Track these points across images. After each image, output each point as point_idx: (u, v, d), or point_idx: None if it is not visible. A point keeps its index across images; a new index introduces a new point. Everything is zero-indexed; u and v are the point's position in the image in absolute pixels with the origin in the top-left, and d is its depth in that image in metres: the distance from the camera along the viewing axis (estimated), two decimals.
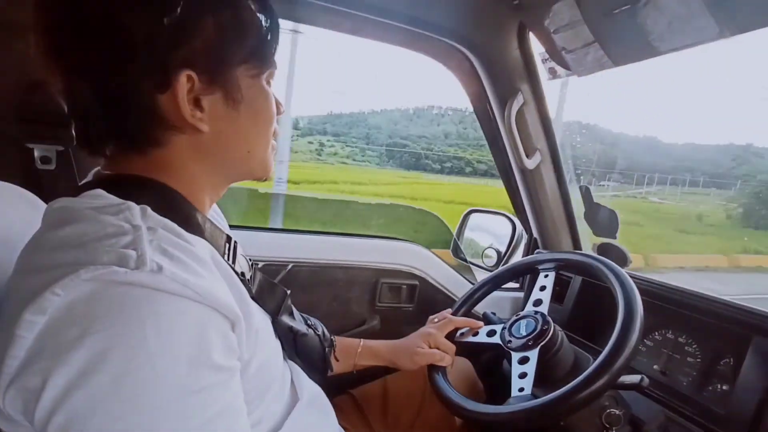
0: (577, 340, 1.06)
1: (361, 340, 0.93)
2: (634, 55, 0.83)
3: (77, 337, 0.32)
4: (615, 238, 1.23)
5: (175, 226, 0.43)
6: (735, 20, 0.68)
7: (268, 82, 0.53)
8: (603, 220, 1.27)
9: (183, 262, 0.39)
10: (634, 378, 0.74)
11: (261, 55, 0.49)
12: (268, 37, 0.50)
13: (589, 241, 1.35)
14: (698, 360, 0.90)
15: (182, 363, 0.35)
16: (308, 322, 0.74)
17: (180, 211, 0.47)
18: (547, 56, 1.03)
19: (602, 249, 1.28)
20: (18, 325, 0.33)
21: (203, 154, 0.49)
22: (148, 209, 0.42)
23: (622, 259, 1.23)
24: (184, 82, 0.43)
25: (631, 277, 1.03)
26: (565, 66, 0.97)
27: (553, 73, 1.06)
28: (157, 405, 0.34)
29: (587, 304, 1.13)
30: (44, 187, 0.91)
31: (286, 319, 0.63)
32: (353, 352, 0.90)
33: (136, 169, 0.47)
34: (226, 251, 0.52)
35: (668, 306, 0.98)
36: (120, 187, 0.44)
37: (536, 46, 1.09)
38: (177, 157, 0.48)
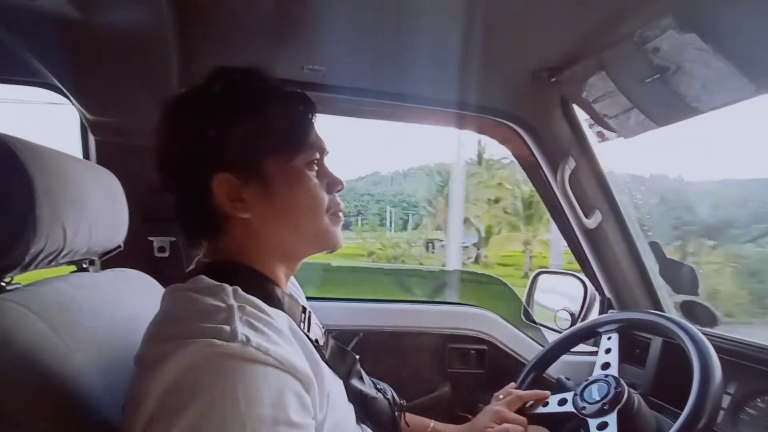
0: (664, 406, 0.99)
1: (432, 421, 0.92)
2: (676, 116, 0.86)
3: (187, 399, 0.41)
4: (697, 294, 1.17)
5: (259, 302, 0.52)
6: None
7: (310, 164, 0.60)
8: (681, 277, 1.21)
9: (265, 333, 0.47)
10: None
11: (289, 145, 0.58)
12: (295, 130, 0.59)
13: (670, 299, 1.28)
14: None
15: (266, 421, 0.43)
16: (378, 386, 0.77)
17: (263, 289, 0.57)
18: (593, 122, 1.08)
19: (686, 308, 1.21)
20: (145, 388, 0.42)
21: (257, 235, 0.58)
22: (239, 289, 0.52)
23: (711, 318, 1.16)
24: (222, 182, 0.55)
25: (721, 338, 0.97)
26: (611, 129, 1.01)
27: (601, 137, 1.10)
28: None
29: (671, 366, 1.05)
30: (160, 271, 1.11)
31: (356, 383, 0.68)
32: None
33: (224, 255, 0.59)
34: (302, 320, 0.61)
35: None
36: (216, 272, 0.55)
37: (583, 113, 1.15)
38: (240, 240, 0.58)
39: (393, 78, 1.07)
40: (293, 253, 0.63)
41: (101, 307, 0.65)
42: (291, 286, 0.73)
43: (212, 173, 0.55)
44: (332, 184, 0.63)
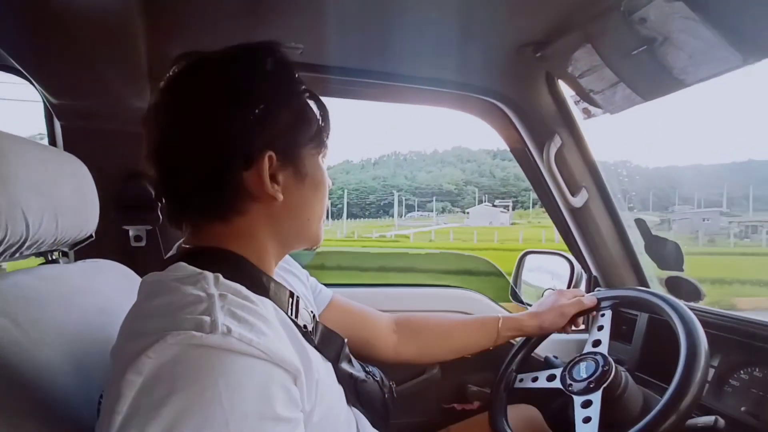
0: (650, 381, 1.00)
1: (499, 314, 1.00)
2: (662, 90, 0.84)
3: (165, 396, 0.38)
4: (682, 270, 1.17)
5: (243, 289, 0.50)
6: (757, 47, 0.69)
7: (323, 160, 0.62)
8: (666, 253, 1.21)
9: (249, 322, 0.45)
10: (707, 420, 0.70)
11: (320, 138, 0.60)
12: (325, 123, 0.61)
13: (655, 275, 1.29)
14: None
15: (250, 417, 0.41)
16: (366, 369, 0.77)
17: (248, 276, 0.54)
18: (578, 98, 1.07)
19: (671, 283, 1.21)
20: (123, 384, 0.39)
21: (274, 220, 0.57)
22: (221, 276, 0.49)
23: (695, 293, 1.16)
24: (266, 160, 0.53)
25: (706, 312, 0.98)
26: (597, 105, 1.00)
27: (587, 113, 1.08)
28: None
29: (657, 342, 1.06)
30: (137, 261, 1.08)
31: (345, 366, 0.68)
32: (493, 326, 0.98)
33: (214, 240, 0.56)
34: (290, 306, 0.59)
35: (753, 342, 0.90)
36: (198, 259, 0.53)
37: (568, 89, 1.13)
38: (254, 224, 0.57)
39: (373, 56, 1.04)
40: (292, 244, 0.63)
41: (70, 299, 0.62)
42: (288, 269, 0.76)
43: (262, 149, 0.54)
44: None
